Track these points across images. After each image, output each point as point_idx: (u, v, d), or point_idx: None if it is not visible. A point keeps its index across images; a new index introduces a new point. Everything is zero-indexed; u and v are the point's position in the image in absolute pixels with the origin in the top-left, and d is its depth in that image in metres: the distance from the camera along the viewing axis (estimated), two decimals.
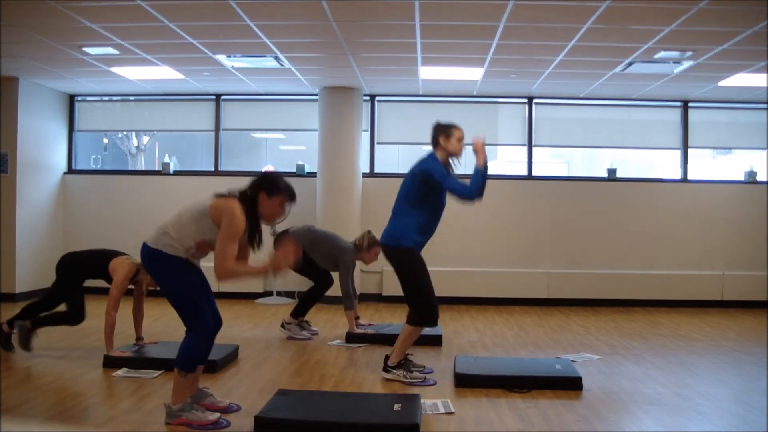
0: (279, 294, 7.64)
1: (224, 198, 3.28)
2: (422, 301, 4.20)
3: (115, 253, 4.76)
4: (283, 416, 3.26)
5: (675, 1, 4.43)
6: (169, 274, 3.28)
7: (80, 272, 4.75)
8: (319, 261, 5.48)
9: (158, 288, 4.65)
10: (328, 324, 6.23)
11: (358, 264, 5.62)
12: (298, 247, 3.24)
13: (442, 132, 4.19)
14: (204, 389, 3.53)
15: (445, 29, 5.24)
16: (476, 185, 4.01)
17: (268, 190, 3.30)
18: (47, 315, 4.74)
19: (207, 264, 3.30)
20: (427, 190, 4.14)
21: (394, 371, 4.24)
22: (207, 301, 3.38)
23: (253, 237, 3.30)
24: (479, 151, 4.09)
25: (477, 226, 7.73)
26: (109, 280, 4.64)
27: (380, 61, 6.34)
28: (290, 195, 3.37)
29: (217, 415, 3.34)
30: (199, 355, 3.33)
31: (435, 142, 4.20)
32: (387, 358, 4.30)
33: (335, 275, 5.55)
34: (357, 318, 5.55)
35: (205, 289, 3.41)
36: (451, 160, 4.22)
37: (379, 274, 7.62)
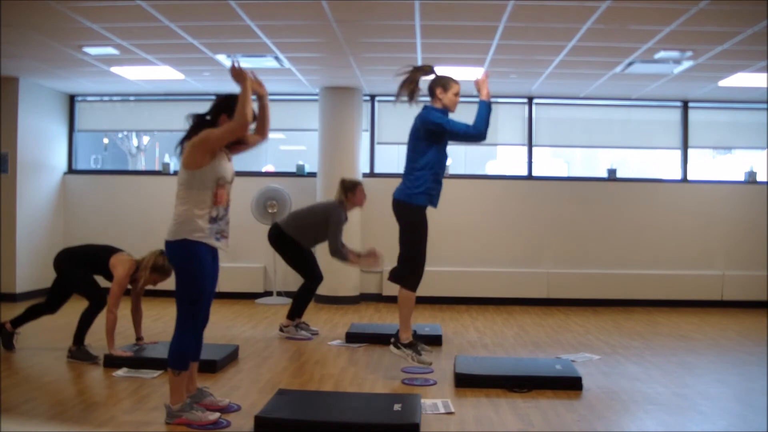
0: (279, 294, 7.64)
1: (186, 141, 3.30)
2: (415, 265, 4.27)
3: (113, 250, 4.74)
4: (283, 416, 3.26)
5: (675, 1, 4.43)
6: (191, 268, 3.24)
7: (80, 266, 4.70)
8: (312, 238, 5.44)
9: (154, 286, 4.68)
10: (328, 324, 6.23)
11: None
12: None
13: (440, 84, 4.23)
14: (204, 389, 3.53)
15: (445, 29, 5.24)
16: (482, 118, 4.10)
17: (231, 111, 3.29)
18: (83, 324, 4.62)
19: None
20: (432, 140, 4.18)
21: (405, 349, 4.25)
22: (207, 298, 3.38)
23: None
24: (482, 85, 4.12)
25: (477, 226, 7.73)
26: (108, 276, 4.62)
27: (380, 61, 6.34)
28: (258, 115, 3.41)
29: (217, 414, 3.35)
30: (188, 351, 3.32)
31: (432, 93, 4.24)
32: (397, 332, 4.33)
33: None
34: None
35: (212, 284, 3.41)
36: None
37: (379, 274, 7.61)
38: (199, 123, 3.34)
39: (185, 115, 3.41)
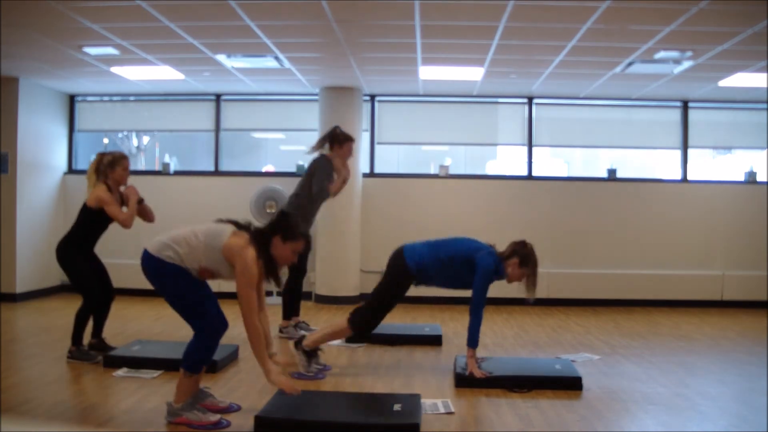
0: (279, 294, 7.63)
1: (239, 238, 3.23)
2: (373, 314, 4.32)
3: (83, 205, 4.59)
4: (283, 416, 3.26)
5: (675, 1, 4.43)
6: (167, 276, 3.26)
7: (81, 248, 4.60)
8: (311, 213, 5.41)
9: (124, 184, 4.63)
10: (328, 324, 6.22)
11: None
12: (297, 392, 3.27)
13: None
14: (205, 389, 3.53)
15: (445, 29, 5.24)
16: (471, 331, 4.21)
17: (285, 235, 3.27)
18: (78, 323, 4.58)
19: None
20: (466, 271, 4.24)
21: (302, 355, 4.28)
22: (212, 300, 3.36)
23: (270, 275, 3.27)
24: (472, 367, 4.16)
25: (477, 226, 7.71)
26: (107, 222, 4.56)
27: (380, 61, 6.34)
28: (306, 244, 3.37)
29: (218, 416, 3.34)
30: (204, 355, 3.33)
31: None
32: (303, 337, 4.37)
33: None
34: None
35: (207, 290, 3.40)
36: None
37: (379, 275, 7.59)
38: (266, 239, 3.27)
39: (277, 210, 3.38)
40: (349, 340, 5.37)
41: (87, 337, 4.67)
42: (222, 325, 3.37)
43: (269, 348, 3.41)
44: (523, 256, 4.26)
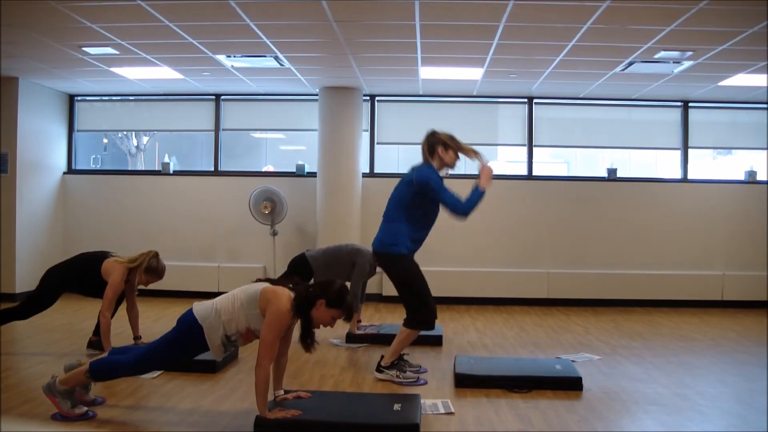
0: None
1: (276, 287, 3.25)
2: (419, 305, 4.20)
3: (102, 255, 4.68)
4: (283, 416, 3.25)
5: (675, 1, 4.43)
6: (192, 344, 3.30)
7: (70, 285, 4.68)
8: (337, 275, 5.35)
9: (146, 287, 4.69)
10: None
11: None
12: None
13: (441, 143, 4.22)
14: (97, 399, 3.64)
15: (445, 29, 5.24)
16: (472, 203, 4.02)
17: (330, 301, 3.25)
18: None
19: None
20: (422, 200, 4.14)
21: (387, 371, 4.24)
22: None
23: (305, 339, 3.25)
24: (487, 176, 4.08)
25: (477, 226, 7.72)
26: (101, 284, 4.56)
27: (380, 61, 6.34)
28: (348, 314, 3.36)
29: (84, 409, 3.41)
30: (110, 376, 3.48)
31: (432, 151, 4.21)
32: (382, 358, 4.30)
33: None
34: (359, 321, 5.56)
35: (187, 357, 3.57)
36: (443, 170, 4.24)
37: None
38: (310, 302, 3.25)
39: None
40: (349, 340, 5.37)
41: (86, 338, 4.69)
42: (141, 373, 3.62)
43: (278, 388, 3.45)
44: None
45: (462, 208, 4.03)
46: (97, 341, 4.72)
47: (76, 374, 3.36)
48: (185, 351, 3.36)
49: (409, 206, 4.16)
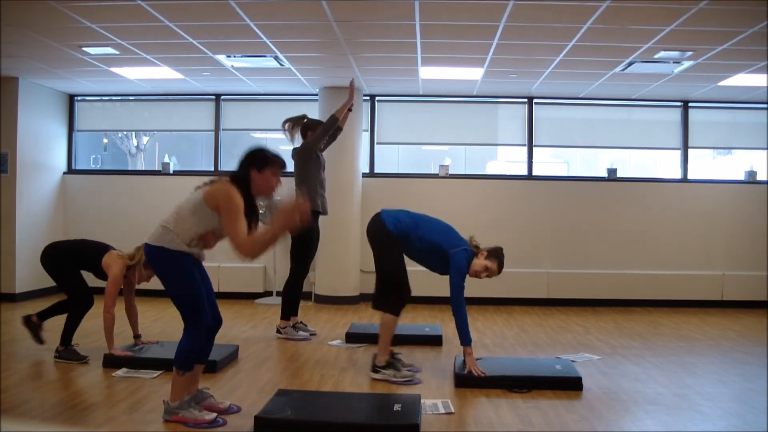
0: (279, 294, 7.63)
1: (215, 183, 3.29)
2: (394, 289, 4.26)
3: (104, 247, 4.70)
4: (283, 416, 3.25)
5: (675, 1, 4.43)
6: (173, 270, 3.26)
7: (68, 261, 4.65)
8: (314, 190, 5.53)
9: (148, 282, 4.67)
10: (328, 324, 6.23)
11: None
12: (305, 198, 3.09)
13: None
14: (204, 390, 3.53)
15: (445, 29, 5.24)
16: (460, 329, 4.15)
17: (258, 165, 3.29)
18: (70, 323, 4.63)
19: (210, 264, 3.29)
20: (437, 260, 4.25)
21: (383, 371, 4.24)
22: (207, 299, 3.36)
23: (249, 217, 3.26)
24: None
25: (477, 226, 7.69)
26: (99, 274, 4.57)
27: (380, 61, 6.34)
28: (280, 163, 3.38)
29: (214, 414, 3.34)
30: (196, 353, 3.33)
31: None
32: (374, 357, 4.31)
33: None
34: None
35: (206, 287, 3.40)
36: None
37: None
38: (243, 176, 3.29)
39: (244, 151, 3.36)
40: (348, 340, 5.37)
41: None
42: (215, 325, 3.41)
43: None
44: (491, 250, 4.33)
45: (455, 303, 4.15)
46: (64, 350, 4.64)
47: (173, 384, 3.33)
48: (189, 278, 3.25)
49: (427, 251, 4.28)
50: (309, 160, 5.55)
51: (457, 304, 4.14)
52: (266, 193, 3.35)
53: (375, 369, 4.27)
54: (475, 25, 5.11)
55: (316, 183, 5.58)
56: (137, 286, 4.75)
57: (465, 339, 4.16)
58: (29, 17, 4.98)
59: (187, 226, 3.23)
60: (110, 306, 4.43)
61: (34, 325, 4.78)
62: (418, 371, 4.43)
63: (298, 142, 5.70)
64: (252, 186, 3.30)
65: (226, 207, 3.15)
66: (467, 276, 4.25)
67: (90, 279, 4.71)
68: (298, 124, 5.68)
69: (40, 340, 4.78)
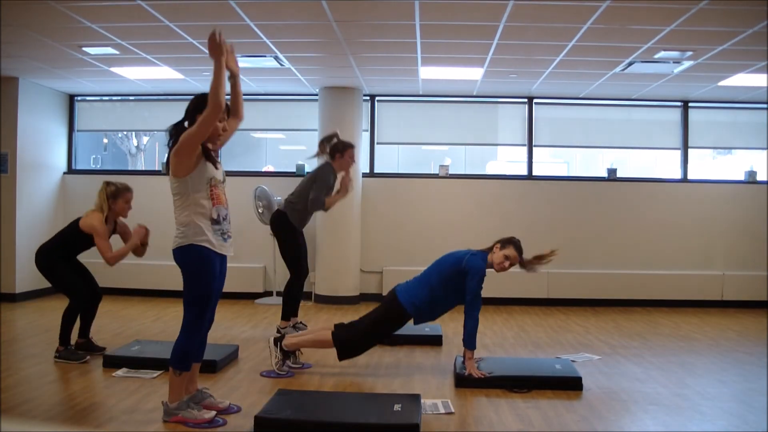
0: (279, 294, 7.63)
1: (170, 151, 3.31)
2: (364, 338, 4.27)
3: (75, 222, 4.68)
4: (283, 416, 3.25)
5: (675, 1, 4.43)
6: (199, 271, 3.26)
7: (60, 257, 4.65)
8: (304, 219, 5.43)
9: (131, 209, 4.75)
10: (328, 324, 6.21)
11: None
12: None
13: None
14: (204, 390, 3.53)
15: (445, 29, 5.24)
16: (469, 333, 4.22)
17: (200, 108, 3.23)
18: (66, 323, 4.61)
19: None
20: (457, 283, 4.26)
21: (279, 353, 4.28)
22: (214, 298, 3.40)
23: (208, 155, 3.29)
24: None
25: (477, 226, 7.73)
26: (92, 243, 4.56)
27: (380, 61, 6.34)
28: (230, 109, 3.38)
29: (213, 413, 3.35)
30: (191, 352, 3.35)
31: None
32: (283, 336, 4.36)
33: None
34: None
35: (218, 291, 3.41)
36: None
37: (379, 275, 7.61)
38: (178, 131, 3.30)
39: (165, 128, 3.35)
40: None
41: (75, 338, 4.69)
42: (208, 325, 3.47)
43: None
44: (503, 240, 4.44)
45: (469, 308, 4.24)
46: (84, 343, 4.71)
47: (171, 385, 3.34)
48: (210, 281, 3.29)
49: (441, 283, 4.31)
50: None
51: (473, 308, 4.20)
52: (212, 141, 3.35)
53: (277, 342, 4.32)
54: (475, 25, 5.11)
55: (307, 204, 5.40)
56: (123, 219, 4.78)
57: (471, 343, 4.18)
58: (29, 17, 4.98)
59: (192, 207, 3.24)
60: (108, 254, 4.44)
61: (82, 345, 4.74)
62: (309, 366, 4.49)
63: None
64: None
65: (181, 143, 3.19)
66: (495, 272, 4.37)
67: (97, 272, 4.68)
68: (329, 141, 5.48)
69: (98, 348, 4.76)
